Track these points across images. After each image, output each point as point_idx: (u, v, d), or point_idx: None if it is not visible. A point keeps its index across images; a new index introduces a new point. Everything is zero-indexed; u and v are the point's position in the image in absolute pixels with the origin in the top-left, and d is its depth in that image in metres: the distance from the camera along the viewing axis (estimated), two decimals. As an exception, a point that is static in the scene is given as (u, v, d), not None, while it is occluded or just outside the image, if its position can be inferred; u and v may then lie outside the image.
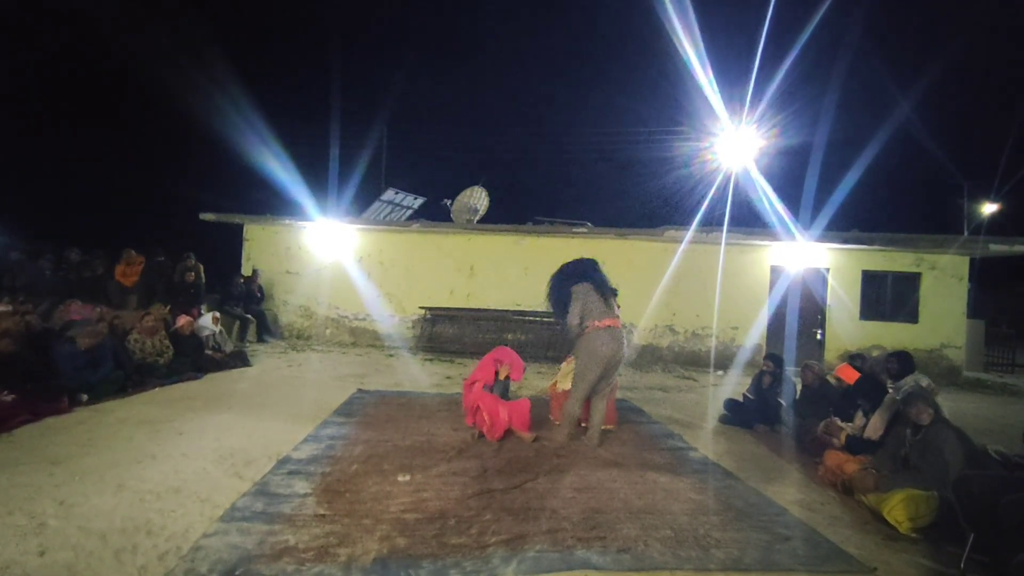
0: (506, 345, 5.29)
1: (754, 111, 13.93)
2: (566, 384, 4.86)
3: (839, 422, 4.54)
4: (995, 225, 17.86)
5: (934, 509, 3.02)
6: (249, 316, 9.57)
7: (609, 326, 4.37)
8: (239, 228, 10.90)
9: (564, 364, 5.24)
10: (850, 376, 4.79)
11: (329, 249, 10.62)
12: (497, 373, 4.91)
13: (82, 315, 6.24)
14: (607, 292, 4.58)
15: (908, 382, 4.37)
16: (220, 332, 7.65)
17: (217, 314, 7.88)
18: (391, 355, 9.22)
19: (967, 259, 10.01)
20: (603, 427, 4.90)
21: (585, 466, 3.92)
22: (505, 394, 4.89)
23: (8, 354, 4.73)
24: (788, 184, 16.31)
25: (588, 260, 4.86)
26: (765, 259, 10.12)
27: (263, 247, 10.80)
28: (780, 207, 10.65)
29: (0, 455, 3.48)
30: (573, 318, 4.40)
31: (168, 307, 7.59)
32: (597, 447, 4.39)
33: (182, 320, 6.94)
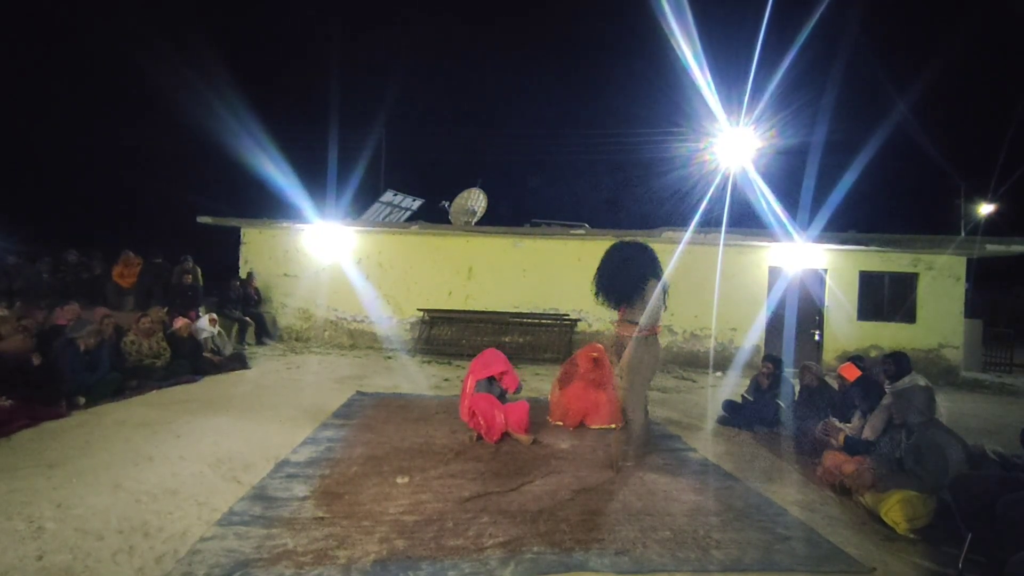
0: (503, 348, 5.25)
1: (752, 112, 13.97)
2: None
3: (837, 423, 4.55)
4: (992, 225, 17.95)
5: (931, 510, 3.02)
6: (248, 319, 9.56)
7: (658, 333, 4.28)
8: (237, 231, 10.89)
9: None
10: (853, 375, 4.79)
11: (327, 251, 10.62)
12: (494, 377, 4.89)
13: (68, 319, 6.19)
14: (666, 298, 4.38)
15: (905, 383, 4.36)
16: (219, 334, 7.64)
17: (214, 316, 7.87)
18: (389, 357, 9.22)
19: (964, 259, 10.03)
20: (605, 426, 4.91)
21: (583, 468, 3.92)
22: (502, 397, 4.87)
23: (22, 352, 4.72)
24: (786, 185, 16.35)
25: (654, 251, 4.37)
26: (763, 260, 10.14)
27: (261, 250, 10.79)
28: (778, 208, 10.67)
29: (-3, 459, 3.47)
30: (649, 318, 4.09)
31: (166, 309, 7.59)
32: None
33: (180, 322, 6.93)
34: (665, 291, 4.30)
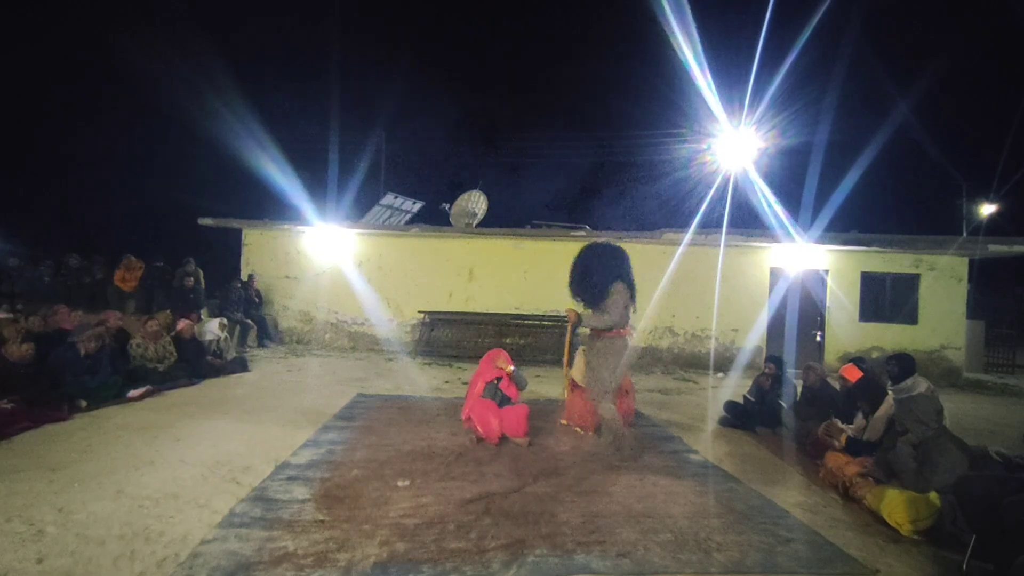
0: (504, 349, 5.22)
1: (753, 112, 13.96)
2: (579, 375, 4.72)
3: (840, 424, 4.53)
4: (994, 225, 17.89)
5: (935, 511, 3.01)
6: (249, 321, 9.57)
7: (627, 335, 4.35)
8: (238, 233, 10.91)
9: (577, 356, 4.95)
10: (854, 376, 4.77)
11: (328, 254, 10.63)
12: (496, 379, 4.87)
13: (72, 323, 6.20)
14: (634, 296, 4.46)
15: (907, 385, 4.34)
16: (225, 338, 7.64)
17: (224, 320, 7.89)
18: (390, 359, 9.21)
19: (966, 260, 10.01)
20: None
21: (584, 470, 3.90)
22: (504, 401, 4.85)
23: (27, 360, 4.73)
24: (787, 185, 16.32)
25: (622, 251, 4.50)
26: (764, 261, 10.13)
27: (262, 252, 10.81)
28: (779, 209, 10.67)
29: (-2, 462, 3.47)
30: (612, 321, 4.19)
31: (168, 311, 7.59)
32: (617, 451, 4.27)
33: (182, 324, 6.93)
34: (632, 292, 4.37)
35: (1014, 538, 2.43)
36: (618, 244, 4.63)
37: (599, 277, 4.31)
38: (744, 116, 13.99)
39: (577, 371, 4.83)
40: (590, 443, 4.58)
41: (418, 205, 13.09)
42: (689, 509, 3.26)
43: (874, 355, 9.38)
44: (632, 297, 4.39)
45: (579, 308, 4.51)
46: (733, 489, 3.67)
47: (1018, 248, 9.49)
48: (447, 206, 12.57)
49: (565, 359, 4.72)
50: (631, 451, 4.21)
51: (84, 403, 4.86)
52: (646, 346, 10.19)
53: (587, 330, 4.54)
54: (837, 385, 5.20)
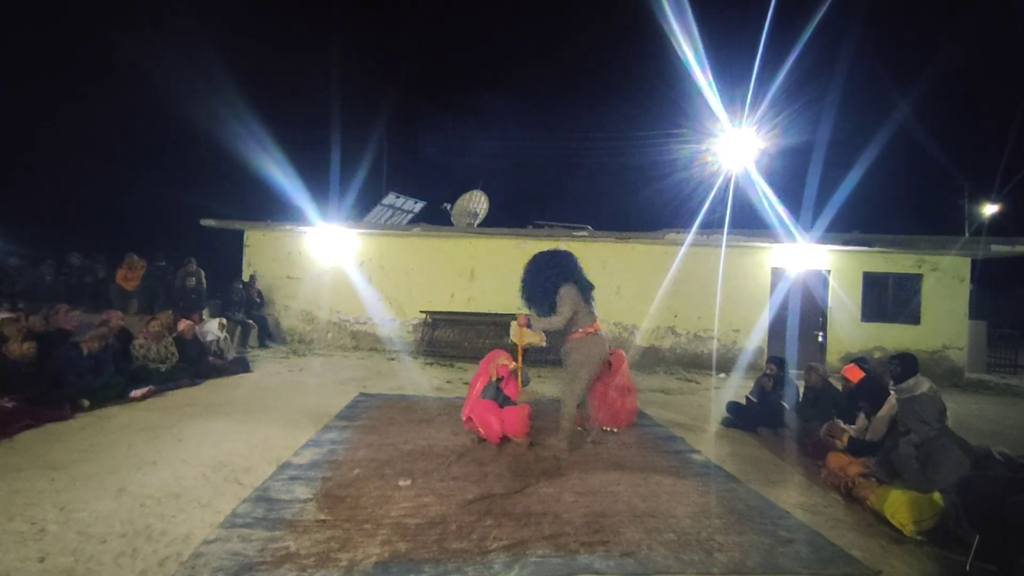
0: (505, 349, 5.22)
1: (754, 112, 13.95)
2: (533, 338, 4.79)
3: (842, 424, 4.52)
4: (996, 226, 17.84)
5: (938, 511, 3.00)
6: (250, 321, 9.57)
7: (596, 331, 4.41)
8: (240, 234, 10.93)
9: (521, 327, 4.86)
10: (856, 376, 4.76)
11: (330, 254, 10.64)
12: (494, 379, 4.87)
13: (71, 322, 6.20)
14: (589, 294, 4.52)
15: (909, 385, 4.34)
16: (225, 338, 7.65)
17: (224, 320, 7.89)
18: (392, 359, 9.22)
19: (968, 260, 10.00)
20: (610, 429, 4.92)
21: (587, 470, 3.90)
22: (505, 401, 4.84)
23: (28, 359, 4.75)
24: (788, 185, 16.29)
25: (566, 254, 4.63)
26: (766, 261, 10.12)
27: (264, 252, 10.82)
28: (781, 209, 10.66)
29: (1, 461, 3.48)
30: (560, 322, 4.29)
31: (170, 312, 7.60)
32: (597, 445, 4.41)
33: (183, 324, 6.93)
34: (584, 292, 4.44)
35: (1017, 539, 2.42)
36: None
37: (546, 284, 4.43)
38: (745, 116, 13.99)
39: (517, 336, 4.87)
40: (592, 443, 4.59)
41: (420, 205, 13.09)
42: (691, 509, 3.26)
43: (876, 355, 9.37)
44: (586, 298, 4.46)
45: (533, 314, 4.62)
46: (735, 489, 3.67)
47: (1020, 248, 9.47)
48: (448, 206, 12.58)
49: (519, 358, 4.85)
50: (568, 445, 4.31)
51: (87, 403, 4.86)
52: (648, 346, 10.18)
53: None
54: (839, 385, 5.20)
